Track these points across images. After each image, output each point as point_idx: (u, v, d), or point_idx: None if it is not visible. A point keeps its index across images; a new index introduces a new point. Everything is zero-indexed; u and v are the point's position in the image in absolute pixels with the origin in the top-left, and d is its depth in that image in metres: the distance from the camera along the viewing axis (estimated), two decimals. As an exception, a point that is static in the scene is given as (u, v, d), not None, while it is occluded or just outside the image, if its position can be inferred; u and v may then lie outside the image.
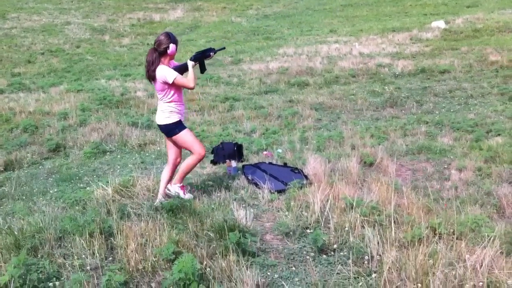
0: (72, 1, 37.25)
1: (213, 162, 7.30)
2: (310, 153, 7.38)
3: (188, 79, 5.23)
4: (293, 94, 13.03)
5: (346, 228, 4.60)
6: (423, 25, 23.87)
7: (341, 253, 4.31)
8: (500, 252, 4.06)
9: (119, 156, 8.32)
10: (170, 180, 5.54)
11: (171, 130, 5.34)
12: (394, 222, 4.55)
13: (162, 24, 30.32)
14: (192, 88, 5.30)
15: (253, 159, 7.45)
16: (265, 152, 7.86)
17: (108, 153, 8.50)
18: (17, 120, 10.33)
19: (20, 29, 27.45)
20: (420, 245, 4.10)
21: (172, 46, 5.16)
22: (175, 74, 5.12)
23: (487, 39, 19.48)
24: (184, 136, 5.36)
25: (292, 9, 35.46)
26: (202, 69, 5.52)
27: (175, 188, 5.45)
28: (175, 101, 5.28)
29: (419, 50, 18.34)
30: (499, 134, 8.52)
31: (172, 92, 5.23)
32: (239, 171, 6.67)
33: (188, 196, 5.46)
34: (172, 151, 5.54)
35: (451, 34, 21.20)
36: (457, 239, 4.35)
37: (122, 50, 23.96)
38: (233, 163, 6.79)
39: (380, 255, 4.10)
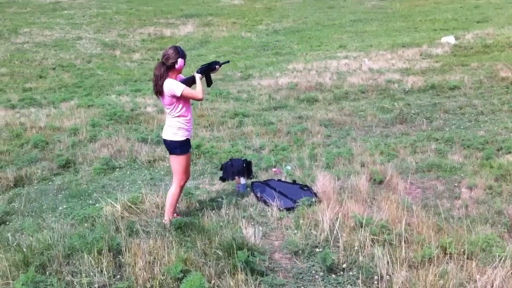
0: (83, 16, 37.65)
1: (222, 179, 7.30)
2: (319, 170, 7.37)
3: (197, 90, 5.24)
4: (303, 110, 13.04)
5: (356, 247, 4.58)
6: (433, 40, 23.84)
7: (350, 273, 4.28)
8: (511, 273, 4.02)
9: (128, 172, 8.35)
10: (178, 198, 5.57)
11: (174, 148, 5.32)
12: (404, 241, 4.52)
13: (172, 39, 30.51)
14: (200, 99, 5.28)
15: (262, 176, 7.44)
16: (274, 169, 7.86)
17: (118, 169, 8.53)
18: (28, 136, 10.40)
19: (32, 44, 27.76)
20: (430, 265, 4.07)
21: (180, 61, 5.13)
22: (182, 86, 5.11)
23: (497, 54, 19.39)
24: (181, 161, 5.36)
25: (302, 24, 35.58)
26: (209, 83, 5.52)
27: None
28: (183, 116, 5.25)
29: (429, 66, 18.29)
30: (509, 152, 8.44)
31: (181, 105, 5.22)
32: (248, 188, 6.66)
33: None
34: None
35: (461, 50, 21.13)
36: (467, 259, 4.32)
37: (133, 65, 24.14)
38: (242, 180, 6.78)
39: (390, 275, 4.08)
